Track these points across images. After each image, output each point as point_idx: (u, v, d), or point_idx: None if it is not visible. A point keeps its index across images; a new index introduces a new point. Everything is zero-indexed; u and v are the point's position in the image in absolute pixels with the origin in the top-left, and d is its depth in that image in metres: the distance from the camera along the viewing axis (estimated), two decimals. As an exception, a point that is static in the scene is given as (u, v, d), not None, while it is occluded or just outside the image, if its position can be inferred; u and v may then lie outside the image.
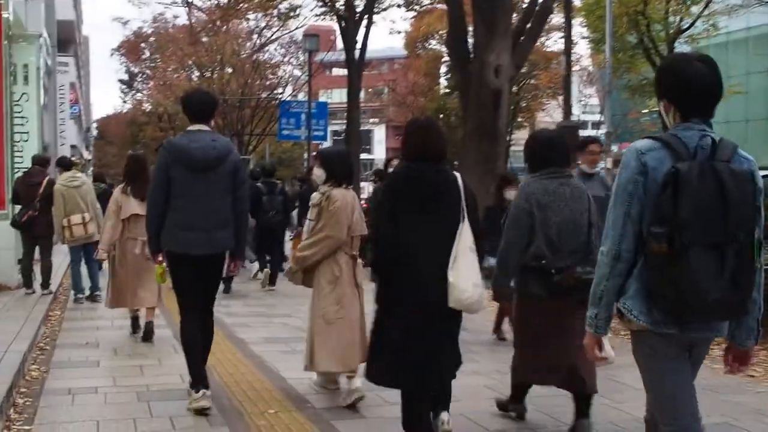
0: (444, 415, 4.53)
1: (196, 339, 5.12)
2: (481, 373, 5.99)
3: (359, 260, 5.40)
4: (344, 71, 44.77)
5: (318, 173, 5.48)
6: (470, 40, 13.57)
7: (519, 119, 31.57)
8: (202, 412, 4.89)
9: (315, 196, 5.37)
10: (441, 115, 32.92)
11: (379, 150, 53.32)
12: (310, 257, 5.27)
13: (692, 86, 2.87)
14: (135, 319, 7.74)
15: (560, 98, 35.38)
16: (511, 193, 6.70)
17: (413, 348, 4.11)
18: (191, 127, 5.22)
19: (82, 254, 9.84)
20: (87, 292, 9.90)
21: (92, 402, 5.13)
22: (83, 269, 9.92)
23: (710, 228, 2.71)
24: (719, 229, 2.72)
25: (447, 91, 32.94)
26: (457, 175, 4.33)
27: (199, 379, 5.00)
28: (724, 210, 2.71)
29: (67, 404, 5.06)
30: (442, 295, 4.08)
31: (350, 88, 22.58)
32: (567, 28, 15.96)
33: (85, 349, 6.86)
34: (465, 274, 4.11)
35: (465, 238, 4.17)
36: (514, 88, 31.03)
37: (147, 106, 38.68)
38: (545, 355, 4.66)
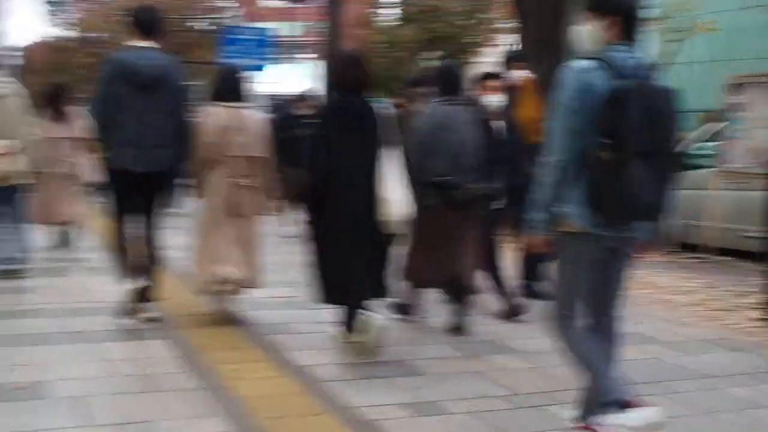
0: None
1: (127, 250, 5.01)
2: None
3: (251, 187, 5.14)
4: (280, 3, 41.04)
5: None
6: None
7: (470, 56, 28.55)
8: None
9: None
10: (389, 49, 29.71)
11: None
12: (192, 172, 5.13)
13: (638, 13, 3.13)
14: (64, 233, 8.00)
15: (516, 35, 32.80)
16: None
17: (348, 267, 4.44)
18: (138, 43, 4.91)
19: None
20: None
21: None
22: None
23: (644, 139, 2.91)
24: (649, 140, 2.93)
25: (399, 23, 29.55)
26: (375, 105, 4.60)
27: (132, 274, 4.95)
28: (653, 123, 2.93)
29: None
30: (369, 216, 4.40)
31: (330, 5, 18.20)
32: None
33: (13, 408, 3.61)
34: (395, 192, 4.44)
35: (387, 162, 4.48)
36: (469, 21, 28.17)
37: (75, 31, 33.96)
38: (433, 262, 5.00)
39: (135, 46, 4.87)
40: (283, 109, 11.44)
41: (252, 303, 5.79)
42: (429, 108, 5.22)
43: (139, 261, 5.08)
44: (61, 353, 4.50)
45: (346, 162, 4.40)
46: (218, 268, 5.06)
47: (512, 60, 6.63)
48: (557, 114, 3.04)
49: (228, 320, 5.43)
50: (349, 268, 4.47)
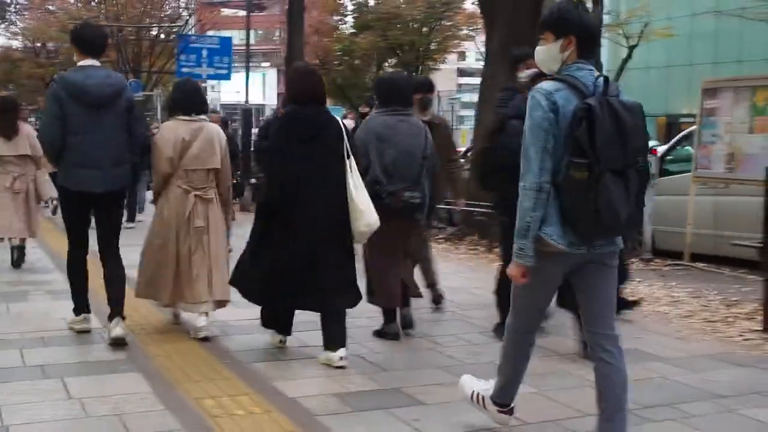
0: (341, 351, 4.56)
1: (83, 270, 5.06)
2: None
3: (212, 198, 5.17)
4: (234, 11, 40.47)
5: None
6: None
7: (429, 63, 28.43)
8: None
9: None
10: (346, 58, 29.47)
11: (270, 95, 48.19)
12: (153, 188, 5.23)
13: (596, 31, 3.33)
14: (14, 249, 7.72)
15: (477, 40, 32.80)
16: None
17: (294, 272, 4.47)
18: (83, 62, 4.89)
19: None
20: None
21: None
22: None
23: (615, 155, 2.95)
24: (620, 156, 2.97)
25: (354, 31, 29.31)
26: (338, 118, 4.75)
27: (82, 306, 5.09)
28: (623, 139, 2.96)
29: None
30: (328, 227, 4.48)
31: (291, 12, 17.62)
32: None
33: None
34: (366, 202, 4.54)
35: (356, 172, 4.58)
36: (424, 29, 27.98)
37: (19, 41, 33.01)
38: (387, 280, 5.15)
39: (81, 66, 4.87)
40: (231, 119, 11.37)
41: (226, 326, 5.41)
42: (369, 119, 5.40)
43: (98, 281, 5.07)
44: (24, 392, 4.05)
45: (304, 172, 4.46)
46: (179, 283, 5.01)
47: (522, 58, 6.16)
48: (530, 136, 3.06)
49: (198, 342, 5.06)
50: (298, 273, 4.48)
